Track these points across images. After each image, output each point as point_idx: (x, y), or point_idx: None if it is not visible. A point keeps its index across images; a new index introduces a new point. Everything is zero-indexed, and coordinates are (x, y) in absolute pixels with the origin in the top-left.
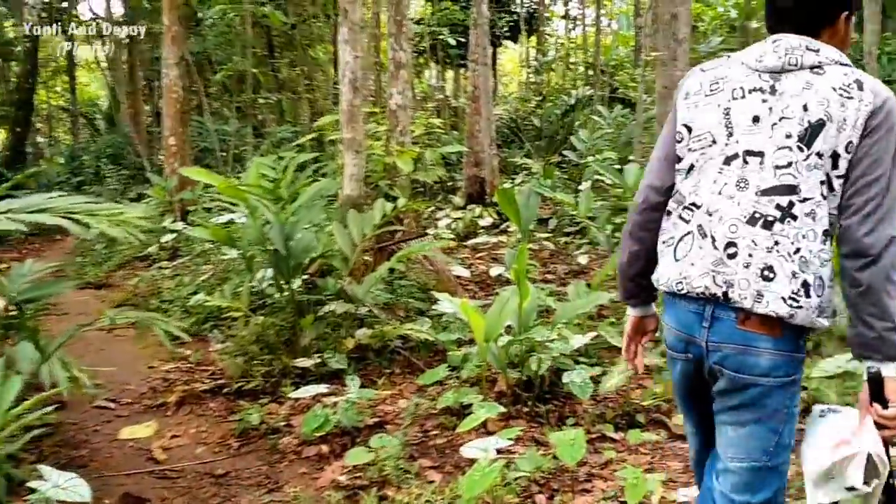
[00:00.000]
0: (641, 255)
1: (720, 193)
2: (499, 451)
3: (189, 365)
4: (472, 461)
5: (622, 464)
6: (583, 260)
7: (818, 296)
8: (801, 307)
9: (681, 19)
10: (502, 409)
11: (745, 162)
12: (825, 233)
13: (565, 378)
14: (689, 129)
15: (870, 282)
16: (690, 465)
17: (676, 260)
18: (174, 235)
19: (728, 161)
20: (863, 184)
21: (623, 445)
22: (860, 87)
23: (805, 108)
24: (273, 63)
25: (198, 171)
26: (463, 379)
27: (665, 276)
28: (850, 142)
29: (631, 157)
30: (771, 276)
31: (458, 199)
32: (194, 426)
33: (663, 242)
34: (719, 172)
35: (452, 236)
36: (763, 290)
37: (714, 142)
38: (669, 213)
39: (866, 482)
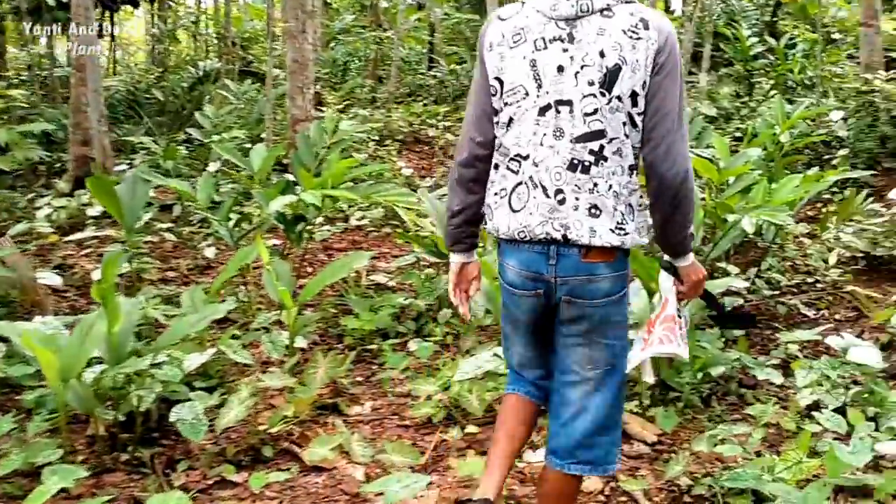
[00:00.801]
0: (469, 204)
1: (541, 144)
2: None
3: None
4: None
5: None
6: (210, 253)
7: (632, 220)
8: (627, 233)
9: None
10: (83, 472)
11: (558, 112)
12: (630, 167)
13: (173, 415)
14: (501, 83)
15: (672, 204)
16: (509, 372)
17: (514, 211)
18: None
19: (542, 112)
20: (658, 118)
21: (246, 490)
22: (646, 27)
23: (601, 54)
24: None
25: None
26: (40, 430)
27: (504, 225)
28: (644, 81)
29: (263, 136)
30: (598, 213)
31: (63, 184)
32: None
33: (496, 194)
34: (536, 124)
35: (53, 229)
36: (595, 226)
37: (527, 94)
38: (497, 166)
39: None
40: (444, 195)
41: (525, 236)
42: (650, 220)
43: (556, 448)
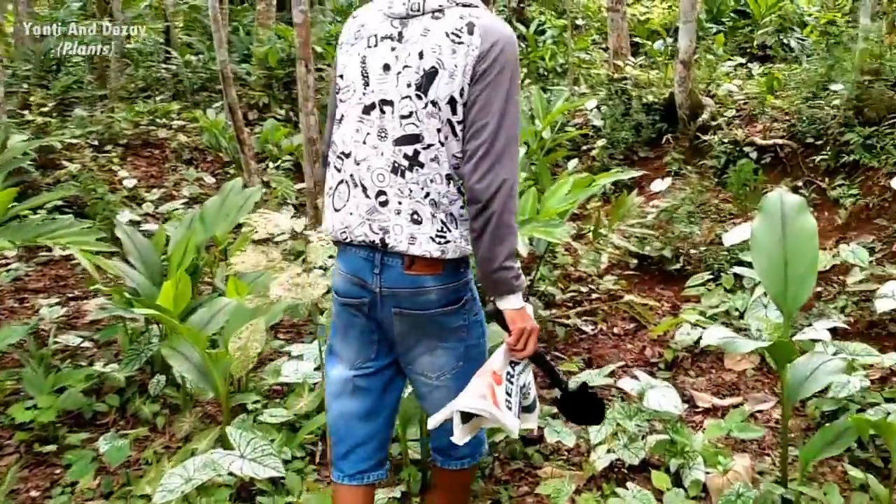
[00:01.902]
0: None
1: (364, 143)
2: None
3: None
4: None
5: None
6: None
7: (455, 228)
8: (448, 241)
9: None
10: None
11: (382, 112)
12: (448, 176)
13: None
14: (343, 80)
15: (481, 227)
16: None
17: (336, 210)
18: None
19: (367, 111)
20: (474, 130)
21: None
22: (470, 31)
23: (421, 55)
24: None
25: None
26: None
27: (330, 225)
28: (462, 88)
29: None
30: (419, 219)
31: None
32: None
33: (327, 193)
34: (360, 121)
35: None
36: (415, 234)
37: (355, 91)
38: (329, 163)
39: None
40: (174, 210)
41: (346, 237)
42: None
43: (435, 447)
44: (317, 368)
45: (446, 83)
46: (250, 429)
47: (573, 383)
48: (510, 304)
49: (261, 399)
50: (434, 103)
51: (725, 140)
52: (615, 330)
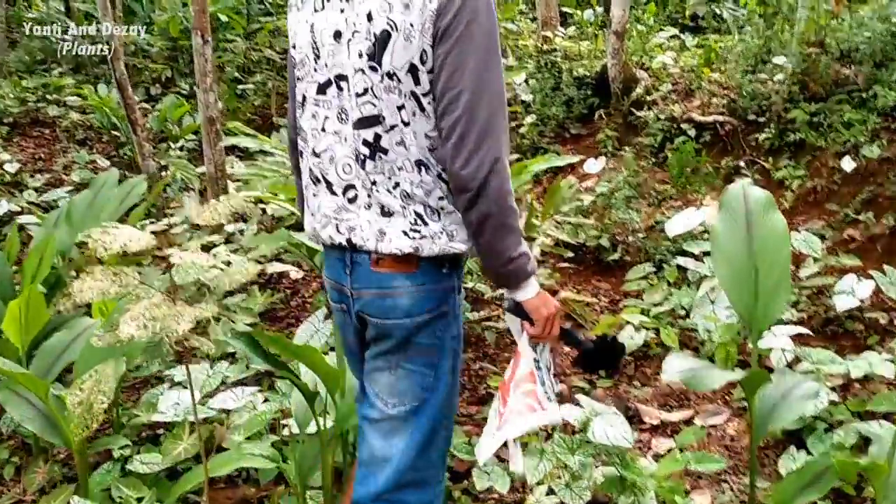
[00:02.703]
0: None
1: (323, 130)
2: None
3: None
4: None
5: None
6: None
7: (436, 221)
8: (423, 236)
9: None
10: None
11: (340, 88)
12: (419, 163)
13: None
14: (296, 51)
15: (478, 220)
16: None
17: (308, 207)
18: None
19: (322, 89)
20: (447, 102)
21: None
22: None
23: (369, 17)
24: None
25: None
26: None
27: (305, 225)
28: (423, 52)
29: None
30: (389, 212)
31: None
32: None
33: (305, 188)
34: (315, 104)
35: None
36: (385, 228)
37: (308, 66)
38: (301, 152)
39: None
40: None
41: (316, 239)
42: None
43: (357, 500)
44: (205, 398)
45: (403, 47)
46: (115, 482)
47: (583, 336)
48: (528, 292)
49: (131, 443)
50: (391, 75)
51: (662, 116)
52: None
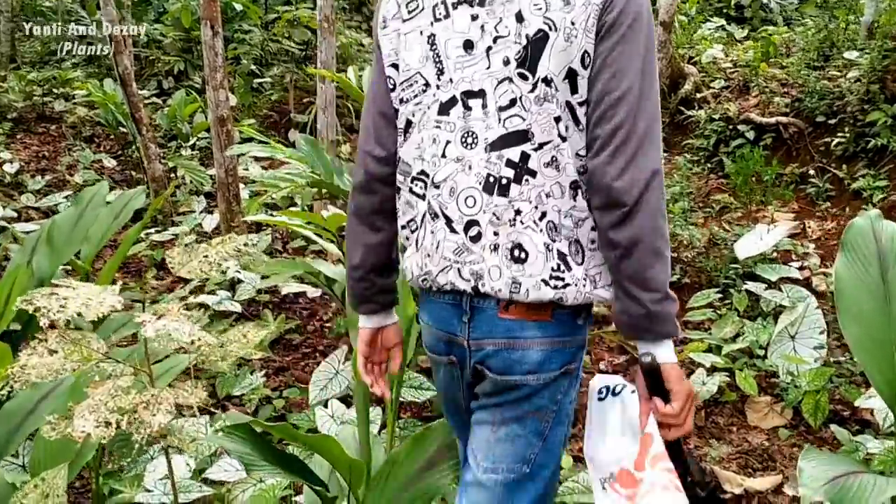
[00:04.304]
0: (374, 246)
1: (444, 155)
2: None
3: None
4: None
5: None
6: None
7: (579, 264)
8: (567, 284)
9: None
10: None
11: (467, 107)
12: (573, 184)
13: None
14: (398, 71)
15: (630, 240)
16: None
17: (418, 249)
18: None
19: (445, 109)
20: (606, 107)
21: None
22: None
23: (519, 17)
24: None
25: None
26: None
27: (410, 268)
28: (586, 51)
29: None
30: (522, 255)
31: None
32: None
33: (402, 227)
34: (437, 126)
35: None
36: (519, 278)
37: (427, 85)
38: (399, 188)
39: None
40: (58, 204)
41: (427, 284)
42: None
43: None
44: (201, 466)
45: (562, 50)
46: None
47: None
48: (668, 354)
49: None
50: (548, 81)
51: (715, 116)
52: (601, 365)
